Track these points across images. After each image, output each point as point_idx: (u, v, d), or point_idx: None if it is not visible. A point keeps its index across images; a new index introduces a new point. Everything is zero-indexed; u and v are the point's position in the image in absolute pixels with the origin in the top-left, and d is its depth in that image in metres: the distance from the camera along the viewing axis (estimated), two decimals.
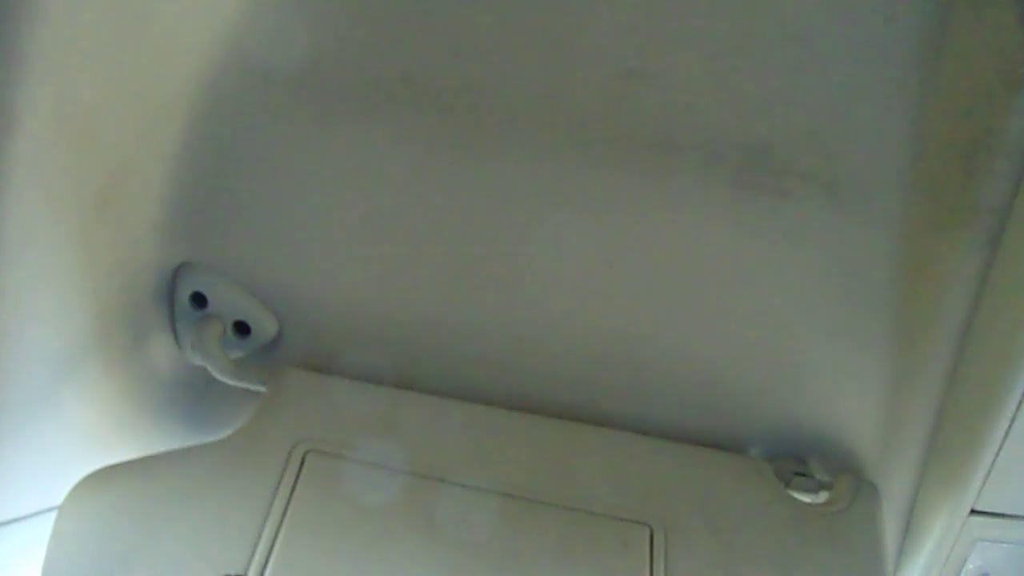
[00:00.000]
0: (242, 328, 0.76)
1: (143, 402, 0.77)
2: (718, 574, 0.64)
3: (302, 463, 0.65)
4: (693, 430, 0.75)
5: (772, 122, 0.64)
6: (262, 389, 0.73)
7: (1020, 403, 0.65)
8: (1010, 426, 0.66)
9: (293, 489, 0.63)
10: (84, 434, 0.73)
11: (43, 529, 0.65)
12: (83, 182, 0.63)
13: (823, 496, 0.72)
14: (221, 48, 0.65)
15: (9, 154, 0.55)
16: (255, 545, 0.59)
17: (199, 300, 0.75)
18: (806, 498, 0.72)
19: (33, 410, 0.67)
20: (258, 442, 0.66)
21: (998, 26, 0.59)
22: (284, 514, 0.61)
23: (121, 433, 0.76)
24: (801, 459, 0.75)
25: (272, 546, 0.60)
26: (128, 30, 0.61)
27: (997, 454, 0.67)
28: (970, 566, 0.73)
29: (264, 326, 0.75)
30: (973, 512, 0.70)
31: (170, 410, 0.79)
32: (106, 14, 0.59)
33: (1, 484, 0.66)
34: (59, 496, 0.63)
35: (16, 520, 0.69)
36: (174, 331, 0.77)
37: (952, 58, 0.61)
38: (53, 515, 0.62)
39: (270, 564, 0.59)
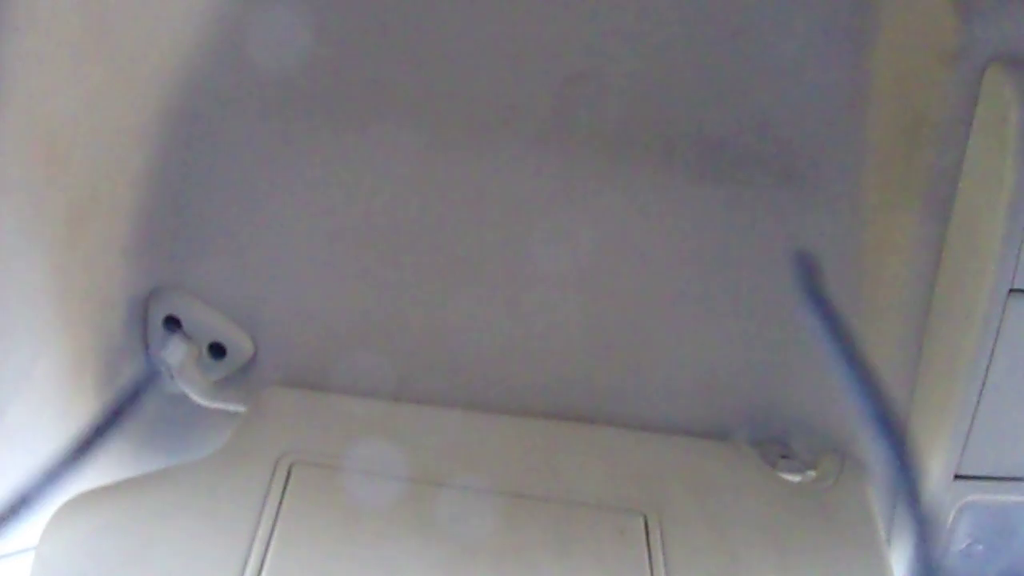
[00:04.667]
0: (218, 350, 0.75)
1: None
2: (715, 556, 0.64)
3: (288, 475, 0.64)
4: (676, 421, 0.76)
5: (722, 115, 0.67)
6: (241, 409, 0.72)
7: (988, 366, 0.67)
8: (982, 389, 0.68)
9: (281, 500, 0.62)
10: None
11: (21, 571, 0.63)
12: (53, 205, 0.62)
13: (810, 475, 0.73)
14: (187, 70, 0.66)
15: None
16: (247, 557, 0.58)
17: (173, 324, 0.74)
18: (794, 478, 0.72)
19: (5, 446, 0.64)
20: (242, 457, 0.65)
21: (927, 4, 0.63)
22: (274, 524, 0.60)
23: (96, 464, 0.74)
24: (784, 442, 0.76)
25: (264, 556, 0.58)
26: (94, 52, 0.61)
27: (973, 418, 0.68)
28: (961, 534, 0.74)
29: (240, 346, 0.75)
30: (957, 477, 0.71)
31: (145, 437, 0.77)
32: (72, 37, 0.59)
33: None
34: (36, 535, 0.60)
35: None
36: (148, 357, 0.76)
37: (887, 38, 0.65)
38: (30, 556, 0.59)
39: (263, 573, 0.57)
